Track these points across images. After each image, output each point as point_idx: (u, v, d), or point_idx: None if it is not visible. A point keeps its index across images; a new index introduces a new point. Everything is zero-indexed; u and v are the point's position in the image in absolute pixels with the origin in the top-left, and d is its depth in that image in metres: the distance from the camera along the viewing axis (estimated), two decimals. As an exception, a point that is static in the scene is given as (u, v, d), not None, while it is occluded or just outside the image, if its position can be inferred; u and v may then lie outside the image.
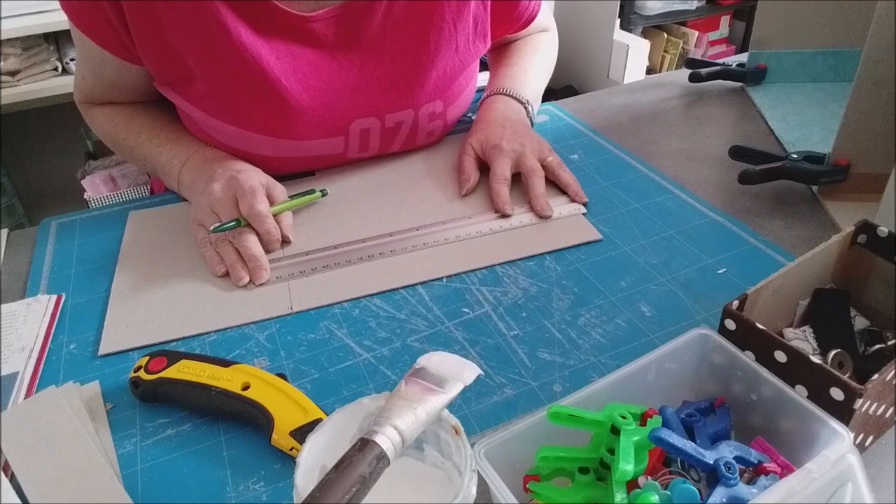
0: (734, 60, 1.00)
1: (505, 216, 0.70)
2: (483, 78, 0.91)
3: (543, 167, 0.73)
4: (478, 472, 0.36)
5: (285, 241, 0.67)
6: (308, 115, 0.71)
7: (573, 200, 0.72)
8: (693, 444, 0.37)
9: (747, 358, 0.42)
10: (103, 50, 0.69)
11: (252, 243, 0.63)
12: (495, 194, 0.71)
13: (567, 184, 0.73)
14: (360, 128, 0.75)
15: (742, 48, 2.63)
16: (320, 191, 0.73)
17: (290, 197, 0.70)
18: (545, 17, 0.92)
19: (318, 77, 0.71)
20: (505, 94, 0.82)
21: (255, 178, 0.67)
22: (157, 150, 0.75)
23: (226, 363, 0.50)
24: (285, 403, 0.47)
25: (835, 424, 0.37)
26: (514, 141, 0.74)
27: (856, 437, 0.43)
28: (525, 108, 0.82)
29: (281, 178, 0.72)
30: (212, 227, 0.63)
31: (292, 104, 0.70)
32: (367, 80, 0.73)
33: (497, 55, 0.92)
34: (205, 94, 0.69)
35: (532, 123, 0.83)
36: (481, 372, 0.38)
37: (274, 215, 0.66)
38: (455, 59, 0.76)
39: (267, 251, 0.65)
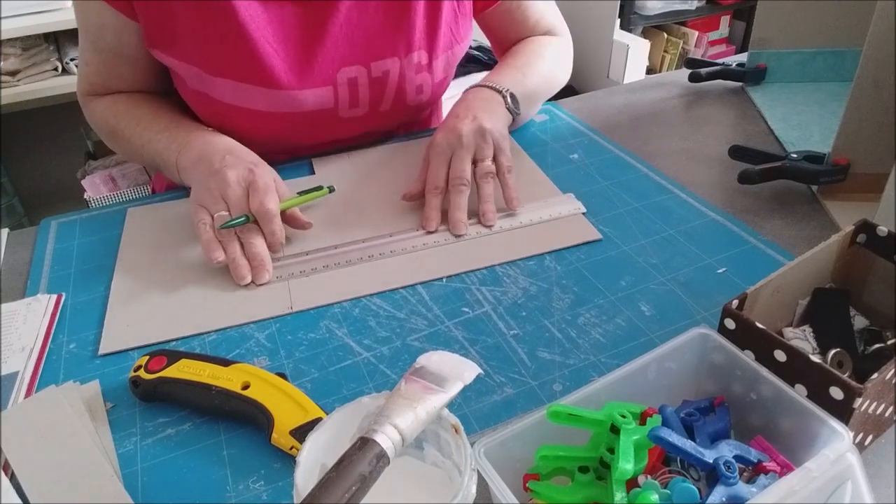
0: (734, 60, 1.00)
1: (428, 232, 0.68)
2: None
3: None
4: (478, 471, 0.36)
5: (305, 227, 0.68)
6: (293, 62, 0.73)
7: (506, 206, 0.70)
8: (693, 443, 0.37)
9: (747, 357, 0.42)
10: (103, 8, 0.70)
11: (259, 242, 0.63)
12: (425, 205, 0.69)
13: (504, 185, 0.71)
14: (346, 77, 0.76)
15: (742, 48, 2.63)
16: (327, 187, 0.73)
17: (297, 194, 0.70)
18: (552, 17, 0.91)
19: (303, 27, 0.72)
20: (480, 86, 0.79)
21: (268, 175, 0.67)
22: (157, 138, 0.75)
23: (226, 362, 0.51)
24: (285, 403, 0.47)
25: (834, 423, 0.37)
26: (451, 134, 0.71)
27: (855, 437, 0.43)
28: (503, 97, 0.77)
29: (280, 171, 0.72)
30: (220, 223, 0.63)
31: (278, 52, 0.71)
32: (351, 28, 0.74)
33: (500, 60, 0.91)
34: (191, 48, 0.71)
35: (514, 114, 0.78)
36: (481, 371, 0.38)
37: (282, 211, 0.66)
38: (438, 8, 0.77)
39: (269, 252, 0.64)
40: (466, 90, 0.80)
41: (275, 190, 0.66)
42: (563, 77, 0.91)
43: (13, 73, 1.69)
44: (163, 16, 0.70)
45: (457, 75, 0.92)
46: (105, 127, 0.80)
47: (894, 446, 0.46)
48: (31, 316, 0.59)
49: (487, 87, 0.79)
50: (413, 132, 0.90)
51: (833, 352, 0.49)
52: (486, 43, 0.97)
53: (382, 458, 0.33)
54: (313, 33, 0.73)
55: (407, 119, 0.87)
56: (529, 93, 0.83)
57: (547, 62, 0.88)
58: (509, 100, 0.78)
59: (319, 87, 0.76)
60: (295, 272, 0.64)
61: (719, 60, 1.01)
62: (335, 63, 0.75)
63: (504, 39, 0.92)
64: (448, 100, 0.90)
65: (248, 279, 0.62)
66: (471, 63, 2.07)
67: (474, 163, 0.70)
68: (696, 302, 0.59)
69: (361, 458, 0.32)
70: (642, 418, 0.39)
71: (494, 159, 0.71)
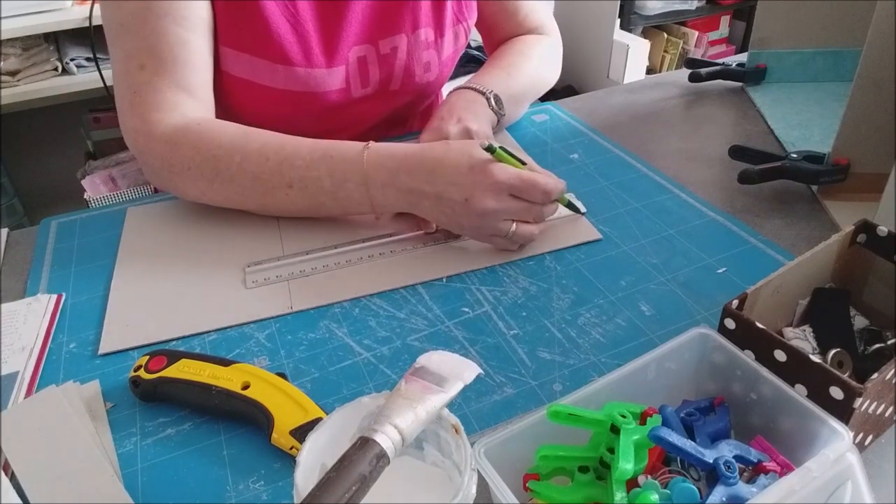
0: (734, 60, 1.00)
1: (428, 233, 0.67)
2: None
3: None
4: (477, 471, 0.36)
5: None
6: (311, 41, 0.74)
7: None
8: (693, 443, 0.37)
9: (747, 357, 0.42)
10: None
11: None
12: None
13: None
14: (356, 56, 0.78)
15: (742, 48, 2.63)
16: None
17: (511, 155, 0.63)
18: (542, 15, 0.92)
19: (322, 7, 0.75)
20: (464, 88, 0.79)
21: (500, 168, 0.61)
22: (319, 158, 0.64)
23: (226, 362, 0.51)
24: (285, 402, 0.47)
25: (834, 423, 0.38)
26: (437, 135, 0.70)
27: (855, 436, 0.43)
28: (486, 98, 0.77)
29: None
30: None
31: (298, 30, 0.73)
32: (362, 7, 0.77)
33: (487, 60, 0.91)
34: (218, 21, 0.72)
35: (498, 115, 0.78)
36: (481, 371, 0.38)
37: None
38: None
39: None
40: (450, 92, 0.80)
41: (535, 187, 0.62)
42: (551, 77, 0.90)
43: (13, 73, 1.69)
44: None
45: (458, 75, 0.92)
46: (204, 155, 0.66)
47: (894, 446, 0.46)
48: (31, 316, 0.59)
49: (471, 88, 0.78)
50: (416, 131, 0.91)
51: (833, 352, 0.49)
52: (486, 43, 0.97)
53: (382, 458, 0.33)
54: (332, 13, 0.75)
55: (416, 101, 0.88)
56: (515, 94, 0.83)
57: (534, 62, 0.87)
58: (493, 101, 0.78)
59: (332, 66, 0.77)
60: (295, 272, 0.64)
61: (719, 60, 1.01)
62: (346, 42, 0.77)
63: (494, 30, 0.92)
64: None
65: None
66: (471, 63, 2.07)
67: None
68: (696, 302, 0.59)
69: (361, 458, 0.32)
70: (642, 418, 0.39)
71: None
